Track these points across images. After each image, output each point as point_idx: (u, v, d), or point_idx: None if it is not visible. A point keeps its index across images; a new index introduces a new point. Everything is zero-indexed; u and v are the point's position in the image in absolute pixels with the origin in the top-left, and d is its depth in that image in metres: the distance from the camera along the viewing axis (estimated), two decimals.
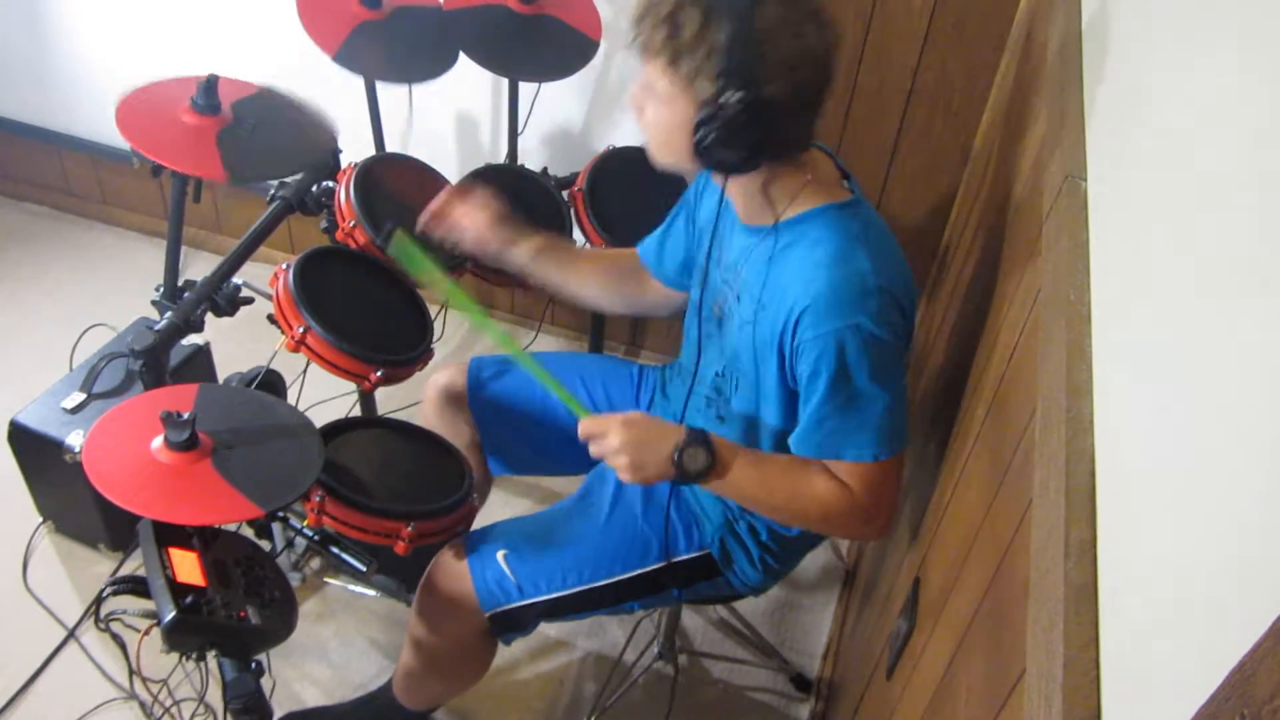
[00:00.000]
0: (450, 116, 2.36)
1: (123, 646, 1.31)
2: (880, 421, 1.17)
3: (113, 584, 1.27)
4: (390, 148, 2.17)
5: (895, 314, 1.16)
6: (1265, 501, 0.45)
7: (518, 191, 2.01)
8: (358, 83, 1.97)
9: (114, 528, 1.98)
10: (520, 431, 1.66)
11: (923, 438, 1.54)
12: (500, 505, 2.18)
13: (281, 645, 1.32)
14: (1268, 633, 0.40)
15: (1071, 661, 0.58)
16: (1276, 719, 0.38)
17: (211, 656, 1.27)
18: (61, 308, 2.59)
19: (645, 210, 1.62)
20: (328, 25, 1.78)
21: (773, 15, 1.08)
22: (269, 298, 1.51)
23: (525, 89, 2.07)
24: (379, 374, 1.49)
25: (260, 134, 1.61)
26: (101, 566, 2.02)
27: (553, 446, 1.65)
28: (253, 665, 1.28)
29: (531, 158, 2.20)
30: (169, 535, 1.25)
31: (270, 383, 1.86)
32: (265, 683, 1.30)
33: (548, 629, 1.96)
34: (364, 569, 1.59)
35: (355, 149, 1.85)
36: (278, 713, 1.47)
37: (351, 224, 1.60)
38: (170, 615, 1.16)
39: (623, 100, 2.15)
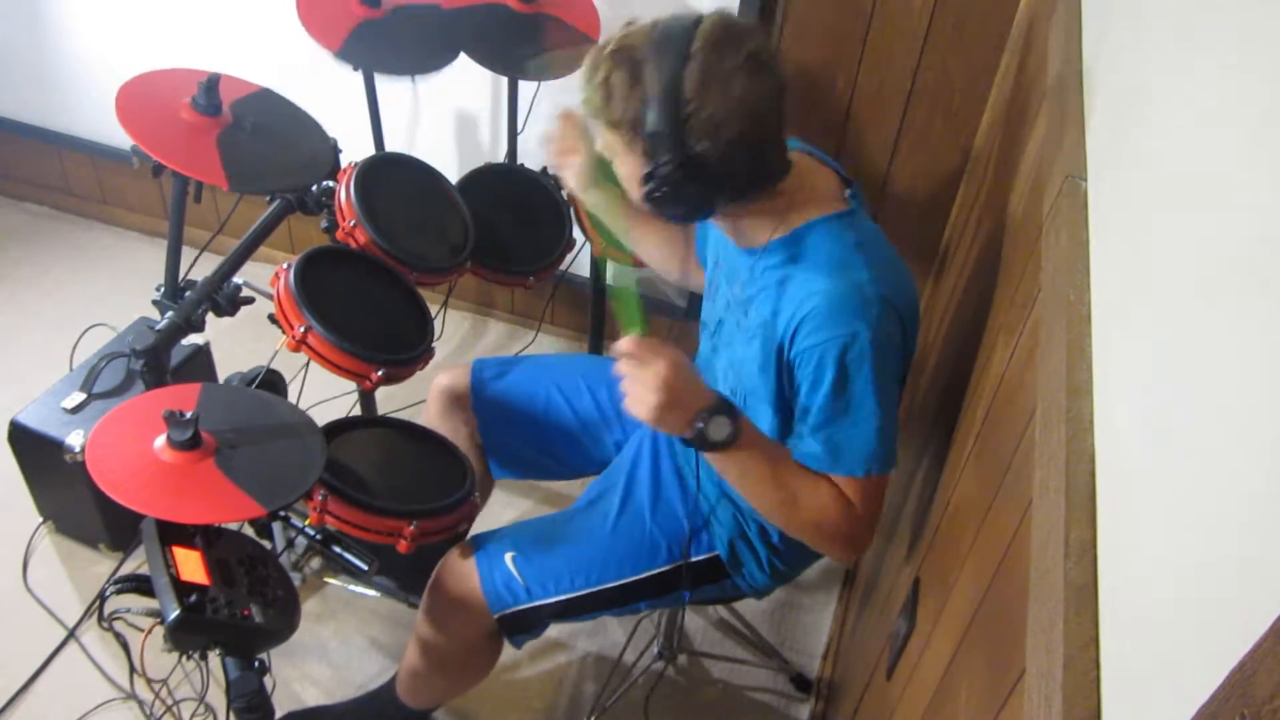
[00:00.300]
0: (450, 116, 2.36)
1: (125, 646, 1.31)
2: (873, 436, 1.17)
3: (116, 583, 1.27)
4: (390, 147, 2.17)
5: (894, 322, 1.16)
6: (1265, 501, 0.45)
7: (518, 191, 2.02)
8: (358, 82, 1.97)
9: (114, 528, 1.98)
10: (523, 432, 1.66)
11: (923, 437, 1.54)
12: (502, 506, 2.18)
13: (282, 645, 1.32)
14: (1268, 633, 0.40)
15: (1071, 661, 0.58)
16: (1276, 719, 0.38)
17: (213, 656, 1.27)
18: (61, 308, 2.59)
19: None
20: (328, 24, 1.78)
21: (698, 74, 1.08)
22: (270, 297, 1.51)
23: (525, 88, 2.07)
24: (380, 373, 1.49)
25: (260, 138, 1.61)
26: (102, 566, 2.02)
27: (556, 448, 1.65)
28: (255, 664, 1.29)
29: (531, 157, 2.20)
30: (172, 534, 1.25)
31: (271, 382, 1.86)
32: (266, 682, 1.30)
33: (548, 629, 1.96)
34: (366, 568, 1.59)
35: (355, 148, 1.85)
36: (278, 712, 1.47)
37: (352, 223, 1.60)
38: (174, 614, 1.16)
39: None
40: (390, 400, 2.30)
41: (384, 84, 2.03)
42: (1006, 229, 1.31)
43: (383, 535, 1.38)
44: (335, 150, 1.75)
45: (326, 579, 2.03)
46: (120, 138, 1.48)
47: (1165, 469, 0.58)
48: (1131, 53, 0.98)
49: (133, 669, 1.28)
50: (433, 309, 1.68)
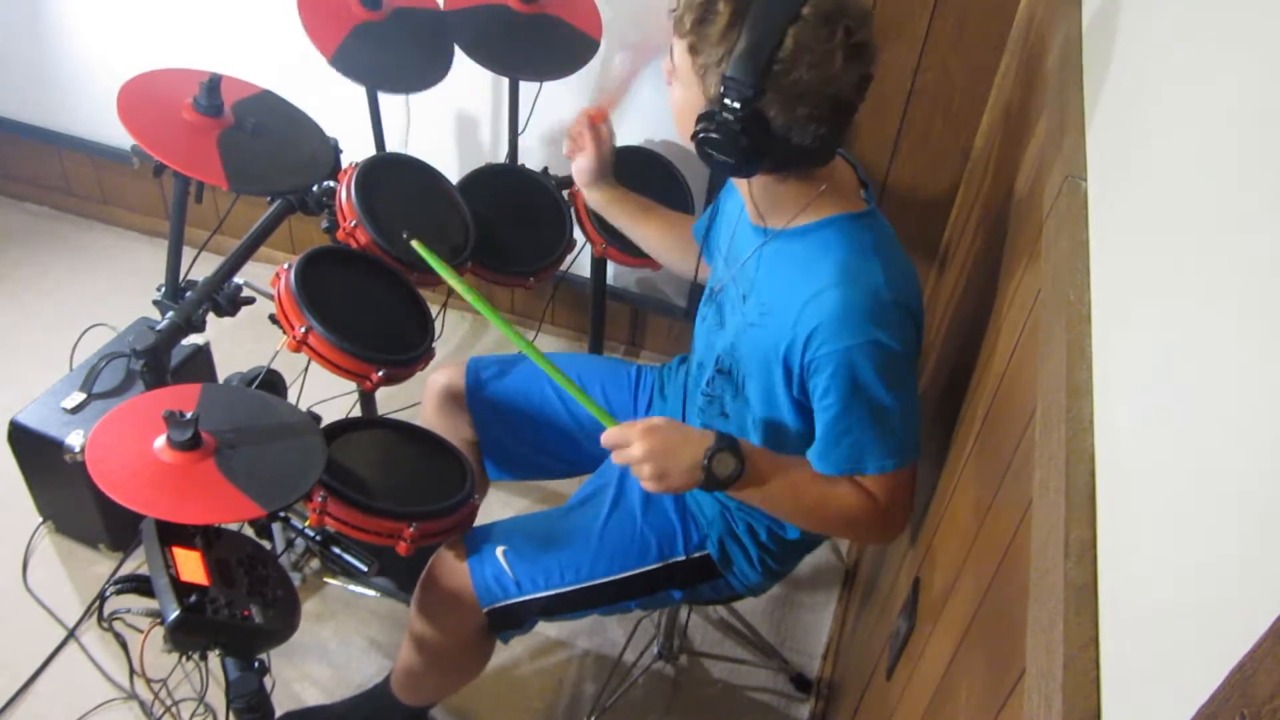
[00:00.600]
0: (451, 116, 2.36)
1: (125, 646, 1.31)
2: (897, 431, 1.18)
3: (116, 583, 1.27)
4: (390, 147, 2.17)
5: (910, 326, 1.16)
6: (1265, 501, 0.45)
7: (518, 191, 2.02)
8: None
9: (114, 528, 1.98)
10: (519, 432, 1.66)
11: (923, 437, 1.54)
12: (499, 505, 2.18)
13: (282, 645, 1.32)
14: (1268, 633, 0.40)
15: (1071, 661, 0.58)
16: (1276, 719, 0.38)
17: (212, 656, 1.27)
18: (61, 308, 2.59)
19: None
20: (327, 26, 1.78)
21: (802, 39, 1.05)
22: (270, 297, 1.51)
23: (526, 88, 2.07)
24: (380, 374, 1.49)
25: (261, 139, 1.61)
26: (101, 566, 2.02)
27: (552, 447, 1.65)
28: (255, 664, 1.29)
29: (532, 157, 2.20)
30: (172, 534, 1.25)
31: (271, 383, 1.86)
32: (265, 682, 1.30)
33: (547, 629, 1.96)
34: (366, 569, 1.59)
35: (356, 148, 1.85)
36: (277, 712, 1.47)
37: (353, 224, 1.60)
38: (174, 614, 1.16)
39: (623, 100, 2.15)
40: (390, 401, 2.30)
41: (390, 93, 2.03)
42: (1006, 229, 1.31)
43: (382, 537, 1.38)
44: (336, 150, 1.75)
45: (326, 579, 2.04)
46: (120, 138, 1.49)
47: (1165, 469, 0.58)
48: (1131, 53, 0.98)
49: (132, 669, 1.28)
50: (433, 309, 1.68)
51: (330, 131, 1.77)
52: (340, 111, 1.88)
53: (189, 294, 1.58)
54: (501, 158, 2.15)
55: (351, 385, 2.11)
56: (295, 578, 2.00)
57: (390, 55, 1.85)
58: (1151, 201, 0.76)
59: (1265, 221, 0.55)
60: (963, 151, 2.03)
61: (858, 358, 1.13)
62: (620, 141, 2.05)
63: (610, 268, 2.31)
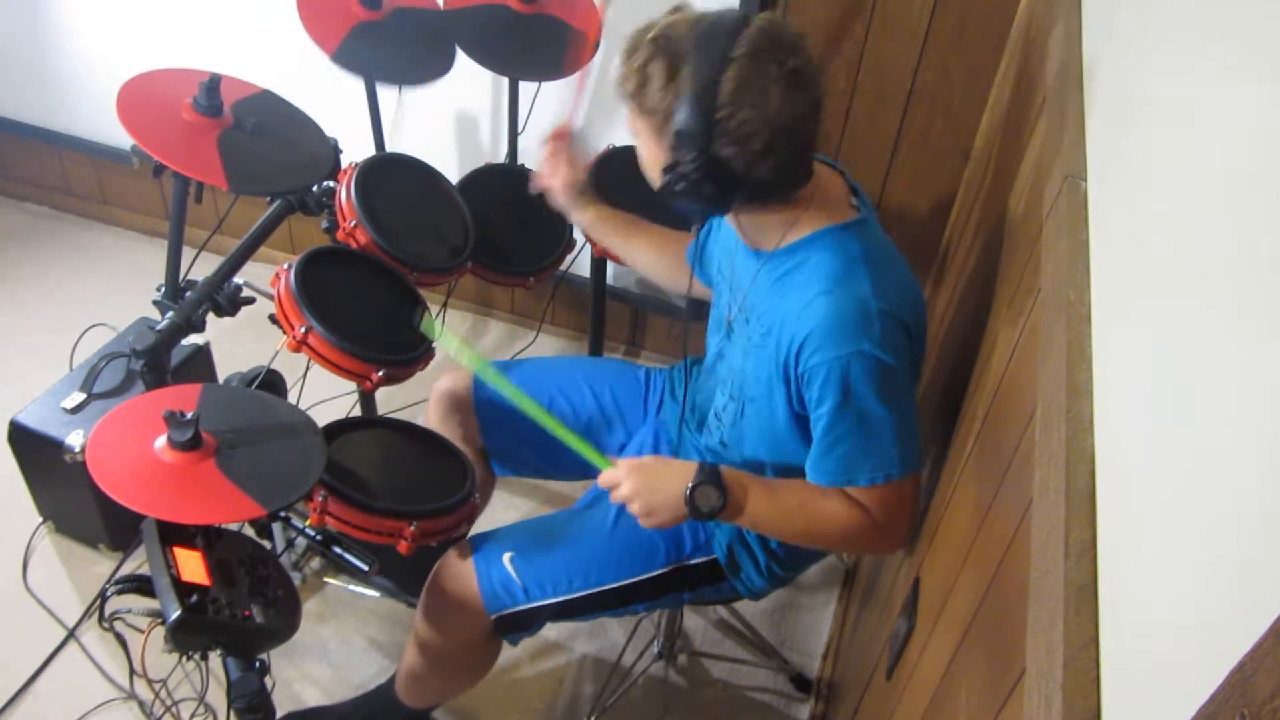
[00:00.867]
0: (450, 116, 2.37)
1: (125, 646, 1.31)
2: (891, 444, 1.17)
3: (116, 583, 1.27)
4: (390, 148, 2.17)
5: (900, 336, 1.16)
6: (1265, 502, 0.45)
7: (518, 191, 2.02)
8: (358, 83, 1.97)
9: (114, 528, 1.98)
10: (524, 435, 1.65)
11: (923, 437, 1.54)
12: (503, 507, 2.18)
13: (282, 645, 1.32)
14: (1268, 633, 0.41)
15: (1071, 661, 0.58)
16: (1276, 719, 0.38)
17: (213, 656, 1.27)
18: (61, 308, 2.59)
19: (645, 210, 1.62)
20: (327, 25, 1.78)
21: (739, 81, 1.07)
22: (270, 297, 1.52)
23: (525, 88, 2.07)
24: (380, 374, 1.49)
25: (260, 139, 1.61)
26: (101, 566, 2.02)
27: (556, 450, 1.64)
28: (256, 664, 1.29)
29: (531, 157, 2.19)
30: (173, 534, 1.25)
31: (271, 383, 1.86)
32: (266, 682, 1.30)
33: (547, 630, 1.96)
34: (366, 569, 1.59)
35: (356, 149, 1.85)
36: (278, 712, 1.47)
37: (352, 224, 1.60)
38: (175, 614, 1.16)
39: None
40: (390, 400, 2.30)
41: (384, 85, 2.03)
42: (1006, 229, 1.31)
43: (383, 536, 1.38)
44: (336, 151, 1.75)
45: (326, 579, 2.04)
46: (120, 138, 1.49)
47: (1165, 469, 0.58)
48: (1131, 53, 0.98)
49: (133, 669, 1.28)
50: (433, 309, 1.68)
51: (330, 131, 1.77)
52: (340, 111, 1.88)
53: (189, 294, 1.58)
54: (501, 158, 2.15)
55: (351, 385, 2.12)
56: (296, 577, 2.00)
57: (390, 53, 1.85)
58: (1151, 201, 0.76)
59: (1265, 221, 0.55)
60: (963, 152, 2.03)
61: (848, 368, 1.13)
62: (620, 141, 2.07)
63: (610, 268, 2.32)
